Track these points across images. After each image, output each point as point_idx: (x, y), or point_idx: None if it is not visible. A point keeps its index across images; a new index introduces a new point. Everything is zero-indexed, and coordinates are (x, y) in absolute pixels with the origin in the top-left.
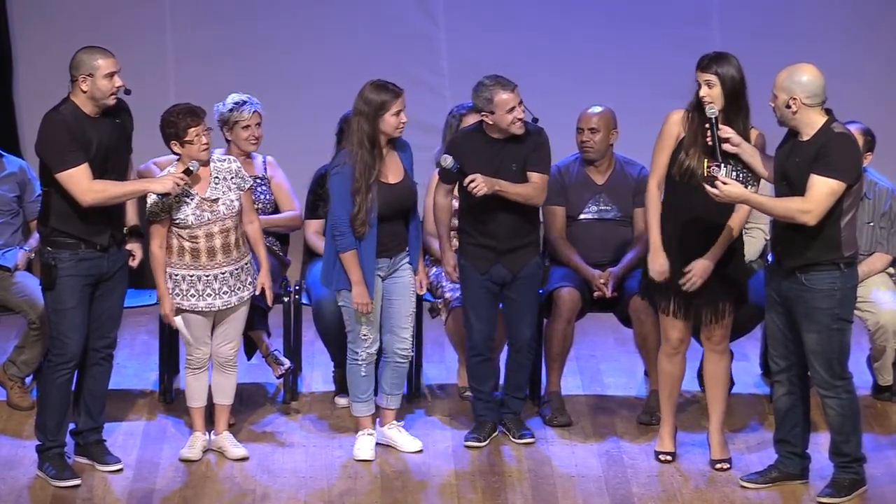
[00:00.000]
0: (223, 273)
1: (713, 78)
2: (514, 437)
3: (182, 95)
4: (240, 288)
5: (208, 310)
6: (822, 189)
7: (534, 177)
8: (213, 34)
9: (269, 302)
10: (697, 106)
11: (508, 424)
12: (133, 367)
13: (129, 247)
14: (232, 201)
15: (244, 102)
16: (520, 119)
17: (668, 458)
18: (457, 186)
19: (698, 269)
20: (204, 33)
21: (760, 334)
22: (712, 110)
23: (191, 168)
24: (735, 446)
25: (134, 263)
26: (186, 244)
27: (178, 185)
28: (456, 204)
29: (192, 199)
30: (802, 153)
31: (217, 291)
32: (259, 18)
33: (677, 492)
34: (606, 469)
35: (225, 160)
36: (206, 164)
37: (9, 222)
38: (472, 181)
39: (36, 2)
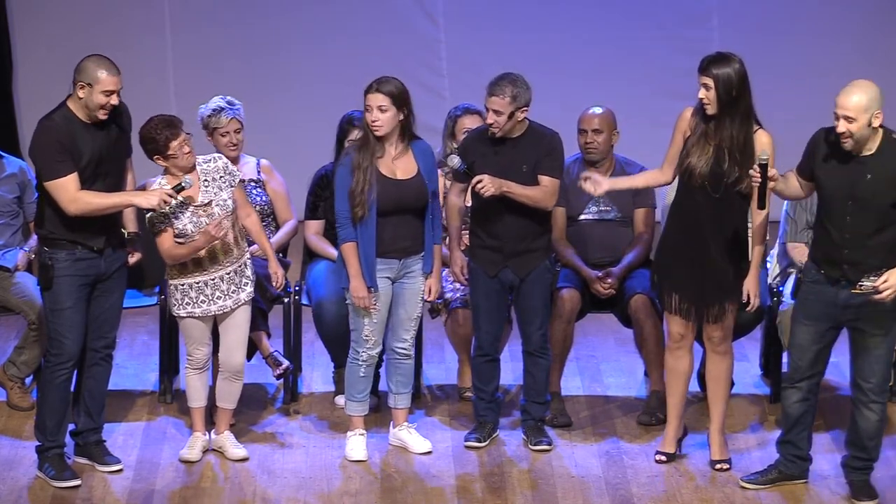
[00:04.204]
0: (228, 274)
1: (709, 81)
2: (531, 445)
3: (181, 96)
4: (234, 291)
5: (204, 315)
6: None
7: (544, 180)
8: (213, 36)
9: (279, 283)
10: (700, 108)
11: (528, 431)
12: (133, 367)
13: (127, 248)
14: (225, 200)
15: (222, 109)
16: (490, 124)
17: (662, 458)
18: (469, 186)
19: (751, 290)
20: (203, 35)
21: (760, 334)
22: (764, 157)
23: (183, 185)
24: (735, 446)
25: (132, 261)
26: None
27: (166, 202)
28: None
29: (187, 209)
30: (874, 169)
31: (210, 297)
32: (258, 20)
33: (677, 492)
34: (606, 469)
35: (210, 160)
36: (192, 169)
37: (9, 223)
38: (478, 181)
39: (36, 2)
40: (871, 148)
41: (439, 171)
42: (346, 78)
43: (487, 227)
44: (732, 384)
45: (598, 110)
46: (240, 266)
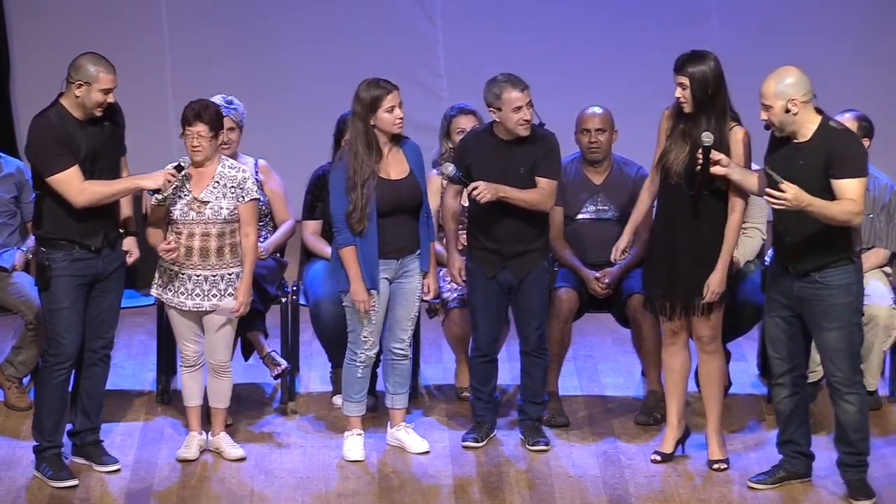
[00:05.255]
0: (197, 276)
1: (685, 80)
2: (529, 445)
3: (179, 96)
4: (215, 295)
5: (181, 307)
6: (858, 189)
7: (542, 182)
8: (210, 35)
9: (236, 310)
10: (678, 108)
11: (525, 431)
12: (131, 367)
13: (124, 246)
14: (221, 208)
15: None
16: (526, 120)
17: (657, 458)
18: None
19: (713, 286)
20: (201, 34)
21: (758, 334)
22: (708, 139)
23: (181, 164)
24: (733, 446)
25: (130, 260)
26: (172, 238)
27: (170, 182)
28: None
29: (185, 196)
30: (807, 155)
31: (190, 292)
32: (256, 19)
33: (674, 492)
34: (604, 469)
35: (235, 168)
36: (199, 165)
37: (6, 223)
38: (474, 188)
39: (34, 2)
40: (807, 135)
41: (435, 172)
42: (345, 78)
43: (485, 231)
44: (730, 384)
45: (599, 110)
46: (215, 277)
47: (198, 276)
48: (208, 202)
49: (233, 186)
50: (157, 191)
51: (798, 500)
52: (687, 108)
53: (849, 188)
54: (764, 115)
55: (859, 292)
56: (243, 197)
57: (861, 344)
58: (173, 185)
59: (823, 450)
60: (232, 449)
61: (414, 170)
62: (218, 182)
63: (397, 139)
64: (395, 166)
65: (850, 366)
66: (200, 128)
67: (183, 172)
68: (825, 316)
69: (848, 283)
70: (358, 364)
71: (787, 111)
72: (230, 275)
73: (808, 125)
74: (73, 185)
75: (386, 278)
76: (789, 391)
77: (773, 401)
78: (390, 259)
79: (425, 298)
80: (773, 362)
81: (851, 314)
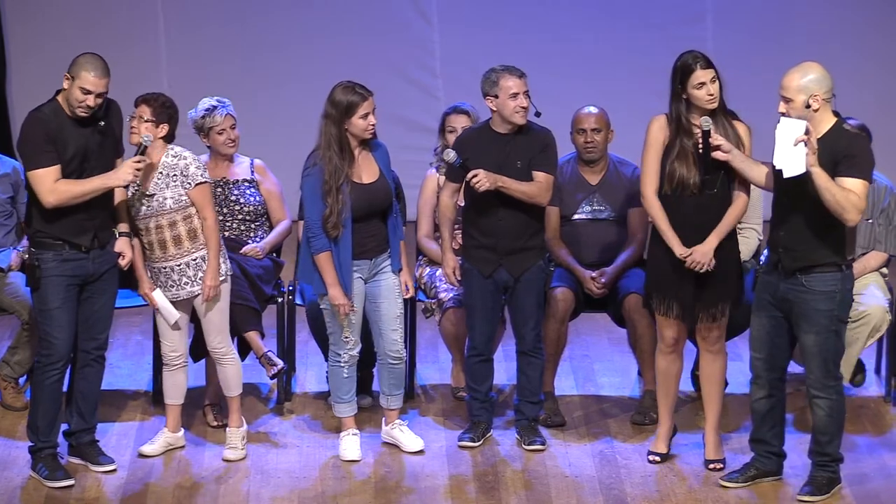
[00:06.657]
0: (164, 268)
1: (715, 74)
2: (525, 445)
3: (175, 96)
4: (187, 283)
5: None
6: (862, 190)
7: (539, 176)
8: (206, 35)
9: (205, 298)
10: (687, 111)
11: (521, 431)
12: (127, 367)
13: (117, 247)
14: (165, 198)
15: (215, 107)
16: (523, 108)
17: (656, 458)
18: (463, 185)
19: (698, 255)
20: (197, 34)
21: None
22: (707, 123)
23: (143, 141)
24: (729, 447)
25: (123, 262)
26: (143, 236)
27: (138, 170)
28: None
29: (137, 191)
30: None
31: (164, 284)
32: (252, 18)
33: (671, 492)
34: (600, 469)
35: (177, 156)
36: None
37: (2, 223)
38: (474, 176)
39: (30, 2)
40: (820, 132)
41: (433, 171)
42: (341, 78)
43: (482, 225)
44: (726, 384)
45: (594, 109)
46: (180, 266)
47: (164, 268)
48: (154, 195)
49: (175, 175)
50: (127, 186)
51: (793, 497)
52: (715, 104)
53: (853, 187)
54: (783, 108)
55: (843, 301)
56: (189, 183)
57: (840, 352)
58: (141, 171)
59: (798, 448)
60: (227, 449)
61: (383, 171)
62: (162, 173)
63: (366, 142)
64: (366, 169)
65: (823, 371)
66: (142, 109)
67: (144, 148)
68: (805, 319)
69: (831, 291)
70: (342, 364)
71: (808, 106)
72: (194, 260)
73: (823, 123)
74: (45, 184)
75: (360, 278)
76: (765, 392)
77: (751, 399)
78: (363, 260)
79: (406, 297)
80: (753, 362)
81: (830, 321)
